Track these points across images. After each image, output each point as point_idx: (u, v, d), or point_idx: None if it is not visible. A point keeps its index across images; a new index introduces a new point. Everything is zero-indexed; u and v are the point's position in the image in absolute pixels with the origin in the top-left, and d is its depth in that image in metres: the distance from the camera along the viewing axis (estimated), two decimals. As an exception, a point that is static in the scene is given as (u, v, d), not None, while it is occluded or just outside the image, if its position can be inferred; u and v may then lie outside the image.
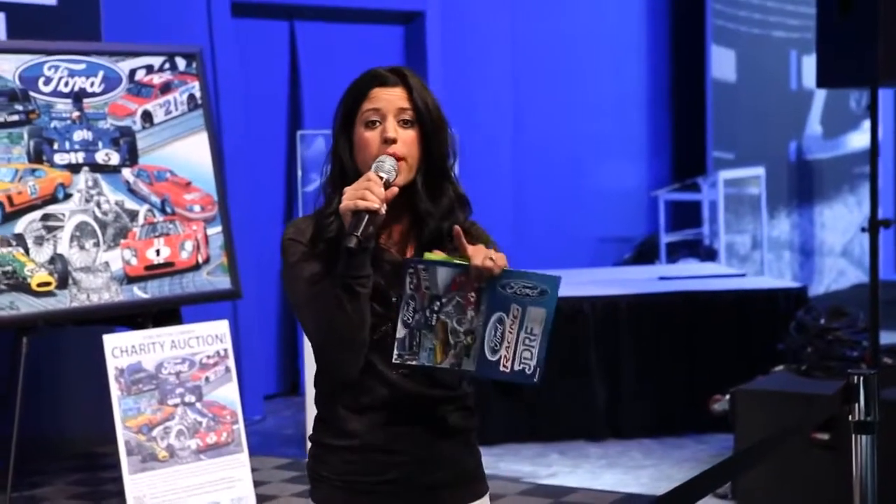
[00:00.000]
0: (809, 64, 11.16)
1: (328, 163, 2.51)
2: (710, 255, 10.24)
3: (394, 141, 2.40)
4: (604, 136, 10.42)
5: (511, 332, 2.31)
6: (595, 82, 10.31)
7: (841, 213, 11.91)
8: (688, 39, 11.01)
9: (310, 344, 2.45)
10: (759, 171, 10.62)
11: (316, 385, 2.54)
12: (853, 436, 2.88)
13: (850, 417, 2.86)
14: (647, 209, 10.67)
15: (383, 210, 2.32)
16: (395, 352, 2.34)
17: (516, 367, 2.31)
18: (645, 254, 10.39)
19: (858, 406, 2.83)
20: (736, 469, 4.71)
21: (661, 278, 7.98)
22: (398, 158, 2.40)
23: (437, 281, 2.32)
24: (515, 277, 2.30)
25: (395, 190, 2.37)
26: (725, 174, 10.37)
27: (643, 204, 10.71)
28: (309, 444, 2.56)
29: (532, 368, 2.30)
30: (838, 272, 11.91)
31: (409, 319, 2.33)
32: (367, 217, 2.29)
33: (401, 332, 2.34)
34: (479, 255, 2.29)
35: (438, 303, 2.32)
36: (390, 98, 2.43)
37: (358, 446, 2.45)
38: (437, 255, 2.35)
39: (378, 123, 2.42)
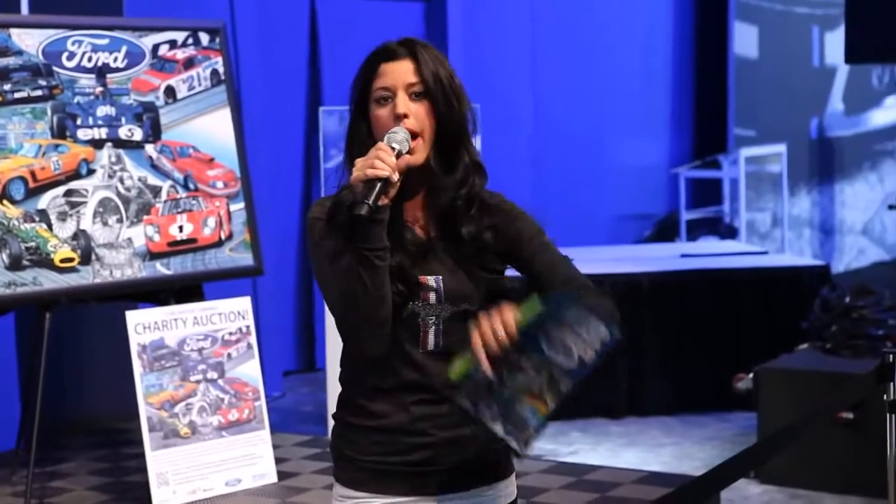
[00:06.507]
0: (832, 40, 11.08)
1: (346, 140, 2.49)
2: (730, 232, 10.20)
3: (405, 116, 2.37)
4: (624, 112, 10.36)
5: (565, 334, 2.22)
6: (616, 58, 10.25)
7: (862, 190, 11.84)
8: (711, 15, 10.94)
9: (334, 321, 2.42)
10: (781, 148, 10.56)
11: (342, 364, 2.51)
12: (888, 415, 2.86)
13: (884, 397, 2.84)
14: (668, 186, 10.62)
15: (395, 178, 2.28)
16: (522, 450, 2.19)
17: (595, 343, 2.26)
18: (665, 231, 10.36)
19: (893, 385, 2.80)
20: (770, 450, 4.68)
21: (683, 256, 7.95)
22: (413, 135, 2.37)
23: (477, 379, 2.19)
24: (531, 321, 2.20)
25: (407, 158, 2.34)
26: (747, 151, 10.31)
27: (663, 181, 10.66)
28: (332, 423, 2.54)
29: (604, 331, 2.29)
30: (859, 250, 11.85)
31: (495, 419, 2.19)
32: (378, 185, 2.25)
33: (500, 431, 2.19)
34: (476, 343, 2.19)
35: (496, 384, 2.19)
36: (398, 72, 2.39)
37: (384, 427, 2.42)
38: (458, 366, 2.23)
39: (389, 100, 2.39)
